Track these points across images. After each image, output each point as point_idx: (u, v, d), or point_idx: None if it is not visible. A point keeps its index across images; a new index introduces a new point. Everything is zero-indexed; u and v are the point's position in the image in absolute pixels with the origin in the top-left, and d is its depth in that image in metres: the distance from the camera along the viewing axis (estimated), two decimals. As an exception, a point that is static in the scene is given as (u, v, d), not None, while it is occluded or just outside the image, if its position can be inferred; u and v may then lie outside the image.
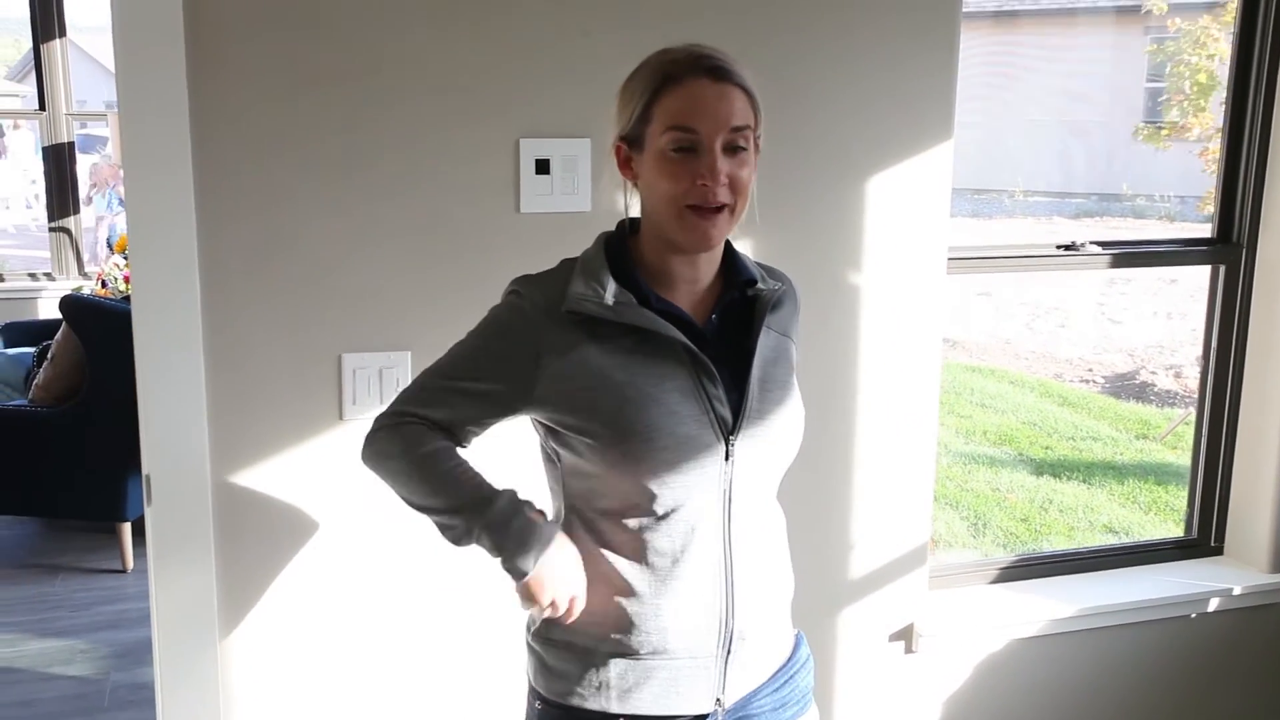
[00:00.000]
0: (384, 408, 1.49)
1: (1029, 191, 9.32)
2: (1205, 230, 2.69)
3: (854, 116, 2.10)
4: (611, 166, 1.42)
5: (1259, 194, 2.55)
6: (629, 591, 1.37)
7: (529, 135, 1.93)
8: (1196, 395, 2.71)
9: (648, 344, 1.35)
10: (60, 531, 4.36)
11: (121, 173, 1.81)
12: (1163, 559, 2.68)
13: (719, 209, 1.32)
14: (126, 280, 4.61)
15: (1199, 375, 2.71)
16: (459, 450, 1.42)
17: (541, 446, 1.46)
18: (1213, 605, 2.56)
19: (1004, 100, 8.69)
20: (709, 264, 1.41)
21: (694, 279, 1.40)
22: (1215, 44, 6.36)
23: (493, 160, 1.93)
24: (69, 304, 3.93)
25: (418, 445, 1.40)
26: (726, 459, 1.37)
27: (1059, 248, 2.50)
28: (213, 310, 1.84)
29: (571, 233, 1.70)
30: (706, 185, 1.30)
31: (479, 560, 1.42)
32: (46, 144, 6.01)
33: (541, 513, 1.40)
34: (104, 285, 4.81)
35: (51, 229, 6.09)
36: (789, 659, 1.51)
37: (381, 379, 1.93)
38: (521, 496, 1.40)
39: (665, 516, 1.36)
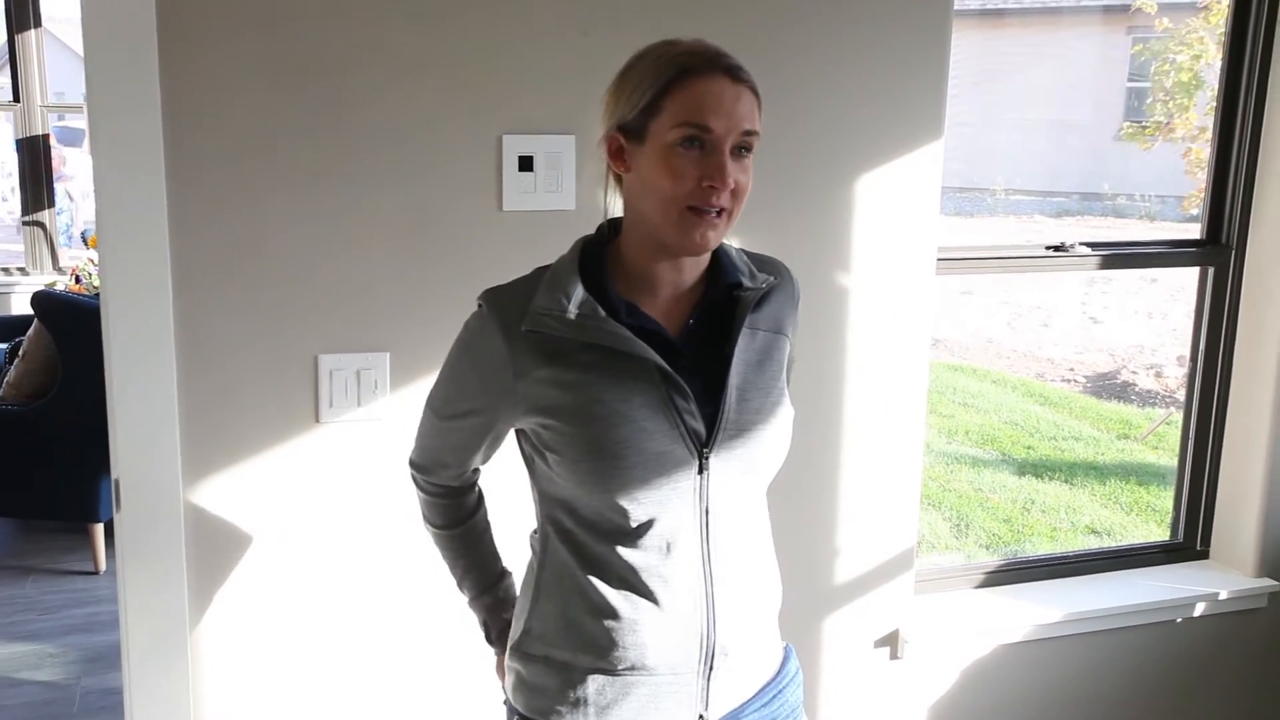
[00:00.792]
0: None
1: (1011, 190, 9.35)
2: (1187, 229, 2.68)
3: (844, 115, 2.07)
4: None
5: (1248, 196, 2.54)
6: (606, 606, 1.34)
7: (512, 131, 1.89)
8: (1177, 395, 2.70)
9: (614, 358, 1.30)
10: (32, 532, 4.29)
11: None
12: (1149, 563, 2.67)
13: (719, 212, 1.28)
14: (101, 275, 4.53)
15: (1186, 377, 2.69)
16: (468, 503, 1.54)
17: (520, 450, 1.42)
18: (1199, 610, 2.55)
19: (987, 99, 8.71)
20: (694, 266, 1.37)
21: (677, 282, 1.36)
22: (1201, 44, 6.37)
23: (474, 157, 1.88)
24: (41, 300, 3.86)
25: (433, 525, 1.55)
26: (701, 473, 1.33)
27: (1048, 248, 2.48)
28: (185, 309, 1.79)
29: (555, 231, 1.66)
30: (714, 187, 1.26)
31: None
32: (21, 136, 5.92)
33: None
34: (78, 281, 4.74)
35: (25, 223, 6.00)
36: (777, 673, 1.47)
37: (359, 381, 1.88)
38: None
39: (639, 531, 1.32)
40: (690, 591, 1.35)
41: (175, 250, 1.77)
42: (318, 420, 1.88)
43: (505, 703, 1.48)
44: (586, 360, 1.31)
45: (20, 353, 4.00)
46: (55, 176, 8.53)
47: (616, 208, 1.38)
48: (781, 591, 1.50)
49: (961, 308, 7.83)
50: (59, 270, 5.93)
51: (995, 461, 5.77)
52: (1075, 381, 7.17)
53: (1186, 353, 2.71)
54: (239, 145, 1.78)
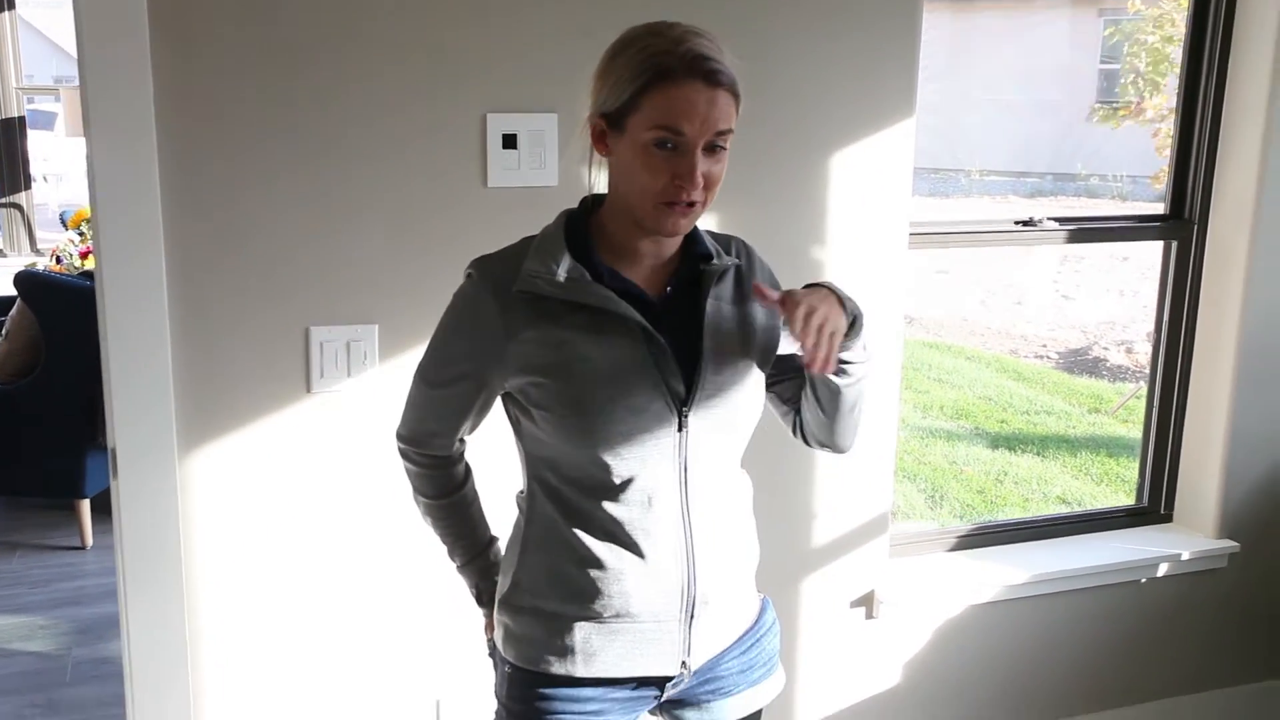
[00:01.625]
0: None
1: (985, 171, 9.42)
2: (1156, 208, 2.75)
3: (817, 93, 2.13)
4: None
5: (1210, 172, 2.61)
6: (591, 557, 1.41)
7: (496, 110, 1.94)
8: (1147, 370, 2.77)
9: (600, 319, 1.38)
10: (17, 509, 4.31)
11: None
12: (1114, 526, 2.75)
13: (691, 203, 1.35)
14: (83, 256, 4.54)
15: (1151, 349, 2.77)
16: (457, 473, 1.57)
17: (506, 413, 1.48)
18: (1162, 570, 2.64)
19: (961, 81, 8.77)
20: (672, 241, 1.44)
21: (657, 254, 1.43)
22: (1173, 26, 6.46)
23: (459, 135, 1.93)
24: (24, 280, 3.87)
25: (424, 496, 1.58)
26: (680, 430, 1.40)
27: (1017, 223, 2.55)
28: (178, 282, 1.84)
29: (538, 207, 1.71)
30: (682, 186, 1.33)
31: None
32: (-4, 118, 5.90)
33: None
34: (59, 261, 4.74)
35: (1, 205, 5.99)
36: (755, 623, 1.55)
37: (349, 352, 1.93)
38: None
39: (622, 486, 1.39)
40: (671, 544, 1.42)
41: (168, 223, 1.81)
42: (309, 390, 1.93)
43: (491, 655, 1.54)
44: (573, 321, 1.38)
45: (3, 333, 4.01)
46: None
47: (600, 183, 1.44)
48: (759, 550, 1.57)
49: (937, 287, 7.91)
50: (37, 251, 5.92)
51: (969, 435, 5.86)
52: (1048, 358, 7.27)
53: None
54: (229, 122, 1.82)
